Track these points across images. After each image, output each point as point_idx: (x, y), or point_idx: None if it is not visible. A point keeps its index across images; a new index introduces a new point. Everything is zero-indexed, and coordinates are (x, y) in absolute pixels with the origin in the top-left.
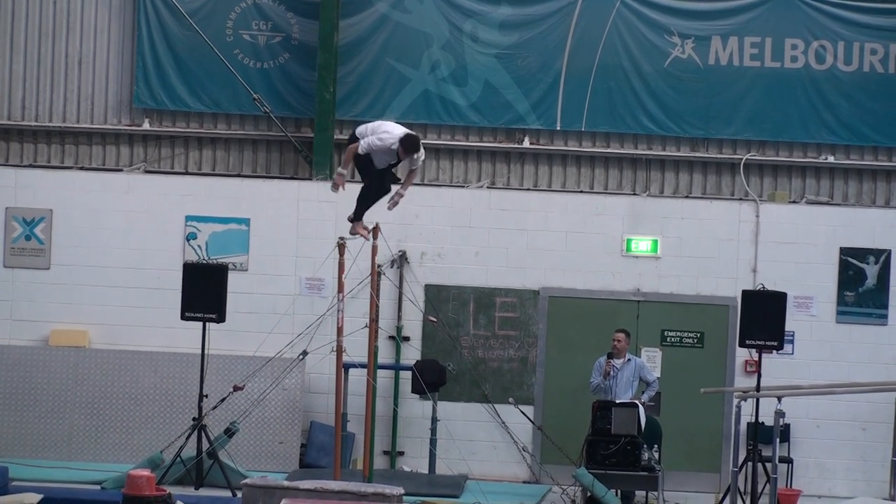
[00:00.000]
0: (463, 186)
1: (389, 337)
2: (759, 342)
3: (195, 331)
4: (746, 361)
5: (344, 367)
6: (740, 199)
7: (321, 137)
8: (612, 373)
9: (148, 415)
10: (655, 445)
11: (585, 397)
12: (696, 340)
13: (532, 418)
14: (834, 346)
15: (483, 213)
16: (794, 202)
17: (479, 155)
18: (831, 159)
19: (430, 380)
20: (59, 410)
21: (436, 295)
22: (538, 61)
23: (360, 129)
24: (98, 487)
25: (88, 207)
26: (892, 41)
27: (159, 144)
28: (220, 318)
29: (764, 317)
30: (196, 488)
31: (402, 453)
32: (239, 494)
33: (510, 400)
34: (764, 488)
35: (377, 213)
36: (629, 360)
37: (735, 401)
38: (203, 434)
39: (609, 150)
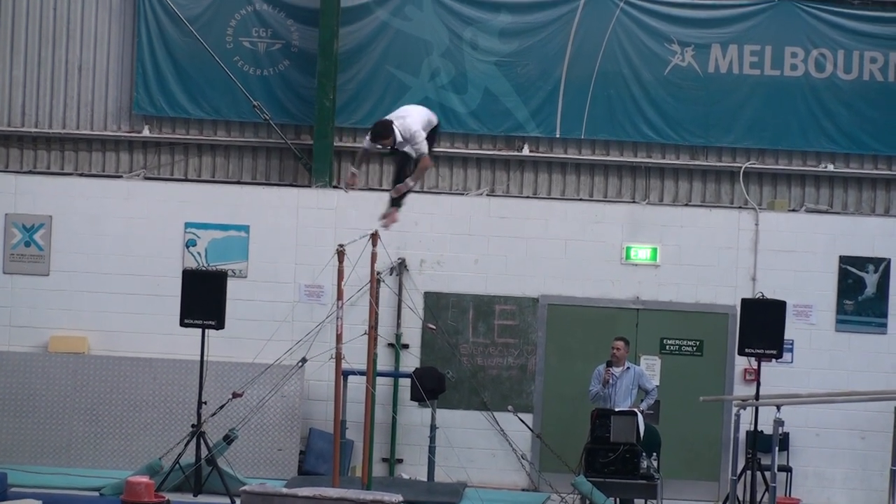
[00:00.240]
0: (462, 194)
1: (388, 344)
2: (759, 350)
3: (194, 337)
4: (746, 370)
5: (343, 375)
6: (740, 207)
7: (321, 145)
8: (611, 381)
9: (147, 421)
10: (654, 454)
11: (584, 405)
12: (695, 349)
13: (531, 426)
14: (833, 354)
15: (482, 221)
16: (793, 210)
17: (479, 162)
18: (831, 168)
19: (429, 387)
20: (58, 417)
21: (435, 302)
22: (538, 69)
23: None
24: (97, 494)
25: (88, 214)
26: (892, 49)
27: (159, 151)
28: (220, 325)
29: (763, 325)
30: (195, 495)
31: (400, 461)
32: (238, 501)
33: (509, 408)
34: (763, 497)
35: (376, 218)
36: (628, 368)
37: (734, 409)
38: (202, 441)
39: (609, 158)
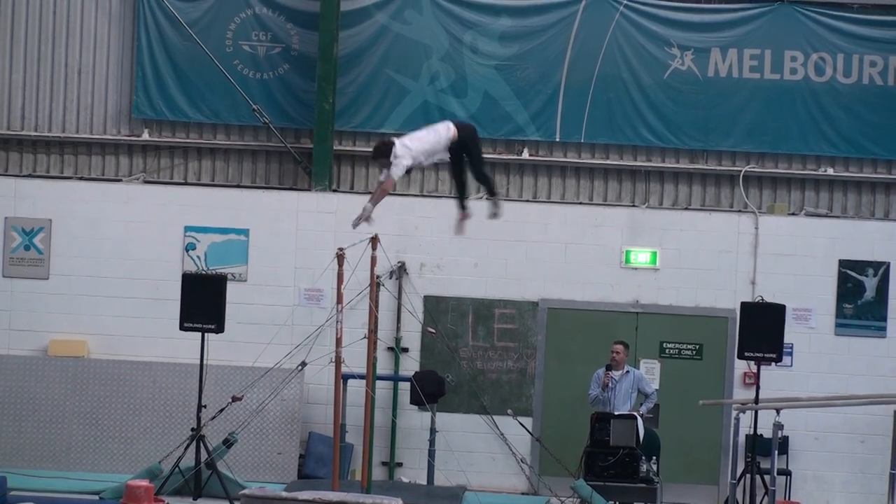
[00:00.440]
0: None
1: (388, 348)
2: (758, 354)
3: (194, 341)
4: (745, 373)
5: (343, 378)
6: (739, 211)
7: (320, 148)
8: (610, 384)
9: (146, 425)
10: (654, 457)
11: (584, 409)
12: (694, 352)
13: (531, 430)
14: (833, 358)
15: (482, 225)
16: (793, 214)
17: None
18: (830, 171)
19: (429, 391)
20: (57, 420)
21: (435, 306)
22: (538, 73)
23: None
24: (96, 498)
25: (88, 217)
26: (892, 53)
27: (158, 155)
28: (219, 329)
29: (763, 329)
30: (194, 499)
31: (400, 464)
32: None
33: (509, 411)
34: (762, 500)
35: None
36: (628, 371)
37: (734, 413)
38: (201, 444)
39: (608, 162)
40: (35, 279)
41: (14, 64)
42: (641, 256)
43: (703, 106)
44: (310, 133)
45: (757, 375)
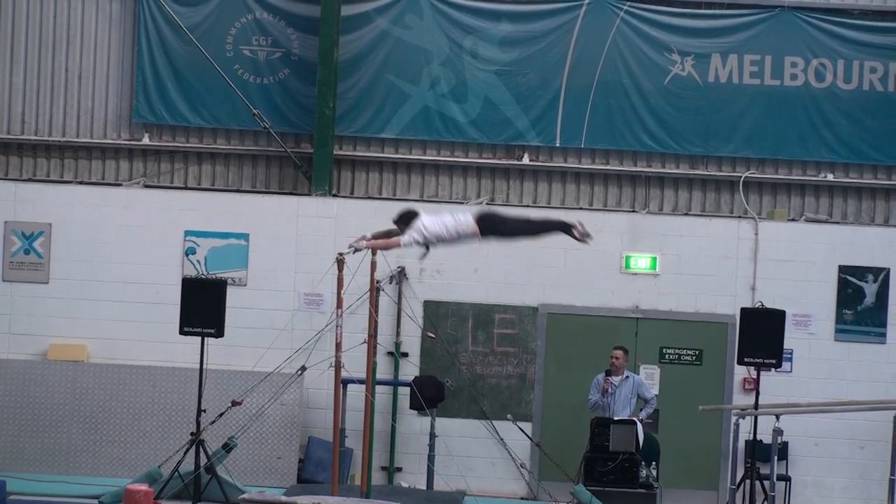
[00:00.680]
0: (462, 202)
1: (388, 353)
2: (758, 360)
3: (194, 345)
4: (745, 379)
5: (342, 383)
6: (739, 216)
7: (321, 153)
8: (610, 390)
9: (146, 429)
10: (654, 463)
11: (584, 414)
12: (694, 358)
13: (530, 435)
14: (832, 364)
15: None
16: (793, 220)
17: (479, 171)
18: (830, 177)
19: (429, 396)
20: (57, 424)
21: (434, 311)
22: (538, 78)
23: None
24: (96, 501)
25: (87, 222)
26: (892, 60)
27: (159, 159)
28: (219, 333)
29: (762, 334)
30: (194, 503)
31: (399, 469)
32: None
33: (508, 416)
34: None
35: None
36: (627, 377)
37: (733, 418)
38: (201, 449)
39: (608, 167)
40: (35, 283)
41: (14, 68)
42: (641, 262)
43: (704, 112)
44: (310, 138)
45: (757, 381)
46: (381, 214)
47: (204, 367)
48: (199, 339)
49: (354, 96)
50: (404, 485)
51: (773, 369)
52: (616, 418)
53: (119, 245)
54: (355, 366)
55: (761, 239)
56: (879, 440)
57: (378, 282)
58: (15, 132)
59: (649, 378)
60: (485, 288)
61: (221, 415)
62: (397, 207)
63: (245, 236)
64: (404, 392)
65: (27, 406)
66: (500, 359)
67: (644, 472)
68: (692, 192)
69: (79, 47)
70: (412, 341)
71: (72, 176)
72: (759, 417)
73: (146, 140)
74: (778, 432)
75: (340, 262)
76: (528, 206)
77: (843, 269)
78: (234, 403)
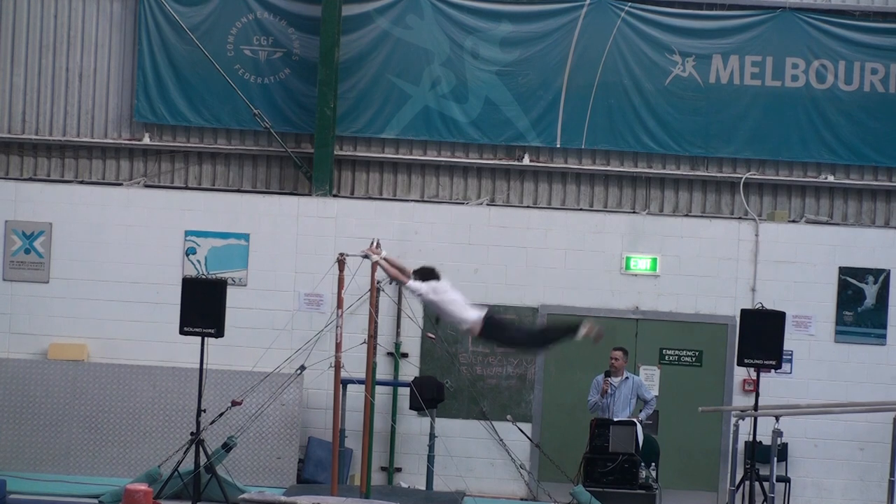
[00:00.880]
0: (463, 203)
1: (388, 353)
2: (758, 361)
3: (194, 345)
4: (745, 380)
5: (342, 383)
6: (740, 217)
7: (321, 153)
8: (609, 391)
9: (146, 429)
10: (653, 463)
11: (583, 415)
12: (694, 359)
13: (530, 436)
14: (832, 365)
15: (482, 230)
16: (793, 221)
17: (479, 172)
18: (831, 179)
19: (429, 396)
20: (57, 424)
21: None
22: (539, 79)
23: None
24: (96, 501)
25: (88, 221)
26: (893, 61)
27: (159, 159)
28: (219, 333)
29: (762, 336)
30: (193, 503)
31: (399, 469)
32: None
33: (508, 417)
34: None
35: (377, 228)
36: (627, 378)
37: (733, 420)
38: (201, 448)
39: (609, 168)
40: (35, 283)
41: (15, 67)
42: (642, 263)
43: (704, 113)
44: (311, 138)
45: (756, 382)
46: (382, 214)
47: (204, 366)
48: (199, 338)
49: (355, 96)
50: (404, 485)
51: (772, 370)
52: (616, 419)
53: (119, 245)
54: (355, 366)
55: (762, 240)
56: (879, 442)
57: (378, 282)
58: (16, 131)
59: (649, 379)
60: (485, 288)
61: (221, 415)
62: (398, 209)
63: (245, 236)
64: (404, 392)
65: (27, 405)
66: (500, 359)
67: (643, 473)
68: (693, 194)
69: (79, 47)
70: (412, 342)
71: (72, 175)
72: (759, 419)
73: (147, 140)
74: (777, 433)
75: (341, 263)
76: (528, 206)
77: (844, 271)
78: (234, 403)
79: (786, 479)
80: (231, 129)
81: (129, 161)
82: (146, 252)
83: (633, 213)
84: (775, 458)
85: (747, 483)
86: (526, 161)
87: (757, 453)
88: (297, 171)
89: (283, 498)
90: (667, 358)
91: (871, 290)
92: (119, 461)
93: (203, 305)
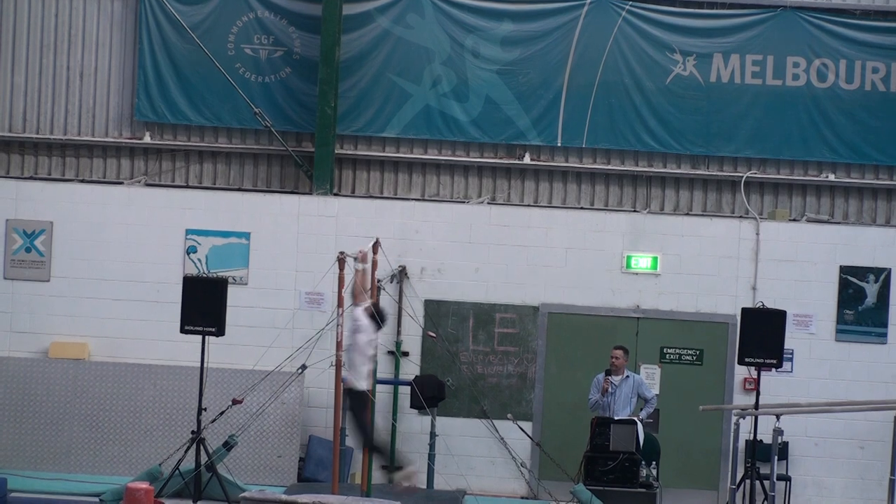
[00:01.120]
0: (463, 202)
1: (389, 352)
2: (759, 360)
3: (194, 344)
4: (745, 379)
5: (343, 382)
6: (740, 216)
7: (322, 152)
8: (610, 389)
9: (147, 427)
10: (654, 462)
11: (584, 414)
12: (695, 358)
13: (530, 434)
14: (833, 364)
15: (483, 229)
16: (794, 220)
17: (480, 170)
18: (832, 177)
19: (429, 395)
20: (58, 423)
21: (435, 310)
22: (539, 77)
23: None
24: (97, 500)
25: (89, 220)
26: (894, 60)
27: (160, 158)
28: (220, 332)
29: (763, 335)
30: (194, 501)
31: (400, 468)
32: None
33: (509, 416)
34: None
35: (378, 227)
36: (627, 376)
37: (734, 418)
38: (202, 447)
39: (610, 167)
40: (36, 281)
41: (16, 67)
42: (642, 262)
43: (705, 111)
44: (311, 137)
45: (757, 381)
46: (383, 213)
47: (205, 365)
48: (199, 337)
49: (356, 95)
50: (405, 484)
51: (773, 369)
52: (616, 418)
53: (120, 243)
54: None
55: (762, 239)
56: (879, 440)
57: (379, 281)
58: (17, 130)
59: (650, 378)
60: (486, 287)
61: (222, 413)
62: (398, 208)
63: (246, 235)
64: (405, 391)
65: (28, 404)
66: (501, 358)
67: (644, 472)
68: (693, 192)
69: (80, 46)
70: (413, 340)
71: (73, 174)
72: (760, 417)
73: (147, 138)
74: (778, 432)
75: (341, 261)
76: (529, 205)
77: (844, 270)
78: (235, 402)
79: (786, 478)
80: (232, 128)
81: (130, 160)
82: (147, 251)
83: (634, 211)
84: (776, 457)
85: (748, 482)
86: (527, 160)
87: (757, 452)
88: (298, 169)
89: (284, 497)
90: (667, 357)
91: (871, 289)
92: (120, 460)
93: (204, 304)
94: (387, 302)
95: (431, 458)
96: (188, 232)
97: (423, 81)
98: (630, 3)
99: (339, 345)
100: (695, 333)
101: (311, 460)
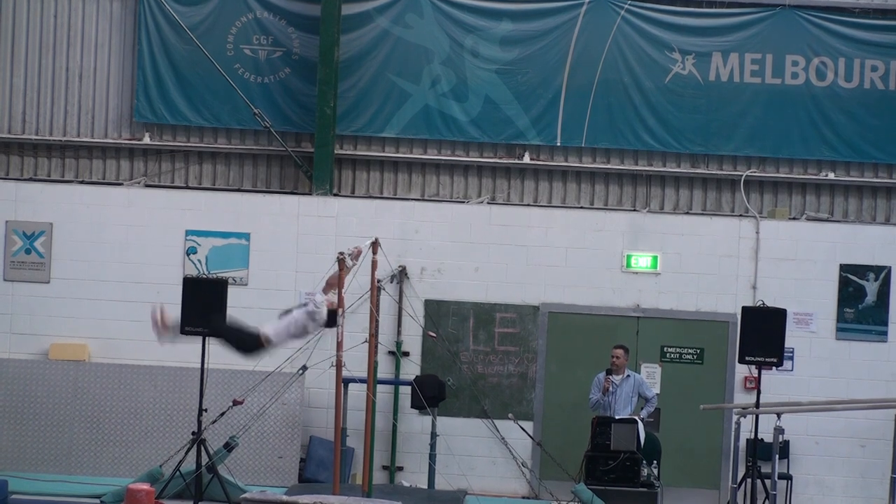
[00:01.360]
0: (463, 202)
1: (389, 352)
2: (759, 358)
3: (195, 345)
4: (746, 378)
5: (343, 382)
6: (740, 215)
7: (321, 152)
8: (610, 389)
9: (147, 429)
10: (654, 461)
11: (585, 413)
12: (695, 357)
13: (531, 434)
14: (833, 362)
15: (483, 229)
16: (794, 219)
17: (480, 170)
18: (831, 176)
19: (430, 395)
20: (58, 424)
21: (435, 310)
22: (539, 77)
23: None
24: (97, 501)
25: (89, 221)
26: (893, 58)
27: (159, 158)
28: None
29: (763, 333)
30: (195, 502)
31: (401, 468)
32: None
33: (509, 415)
34: None
35: (378, 227)
36: (628, 375)
37: (734, 417)
38: (202, 448)
39: (609, 166)
40: (36, 283)
41: (15, 68)
42: (642, 261)
43: (705, 110)
44: (311, 137)
45: (758, 380)
46: (382, 213)
47: (205, 366)
48: (200, 338)
49: (355, 95)
50: (406, 484)
51: (774, 368)
52: (617, 417)
53: (120, 244)
54: (356, 365)
55: (762, 238)
56: (880, 439)
57: (379, 281)
58: (16, 132)
59: (650, 377)
60: (486, 287)
61: (223, 414)
62: (398, 208)
63: (246, 236)
64: (405, 391)
65: (28, 406)
66: (502, 358)
67: (645, 471)
68: (693, 191)
69: (79, 47)
70: (413, 340)
71: (73, 175)
72: (761, 416)
73: (147, 139)
74: (779, 431)
75: (341, 262)
76: (528, 205)
77: (844, 268)
78: (236, 403)
79: (787, 477)
80: (231, 129)
81: (130, 161)
82: (147, 252)
83: (634, 210)
84: (777, 456)
85: (749, 480)
86: (526, 159)
87: (758, 451)
88: (298, 170)
89: (285, 497)
90: (668, 356)
91: (871, 287)
92: (121, 461)
93: (204, 305)
94: (387, 302)
95: (432, 458)
96: (188, 233)
97: (422, 81)
98: (629, 2)
99: (339, 345)
100: (695, 332)
101: (311, 461)
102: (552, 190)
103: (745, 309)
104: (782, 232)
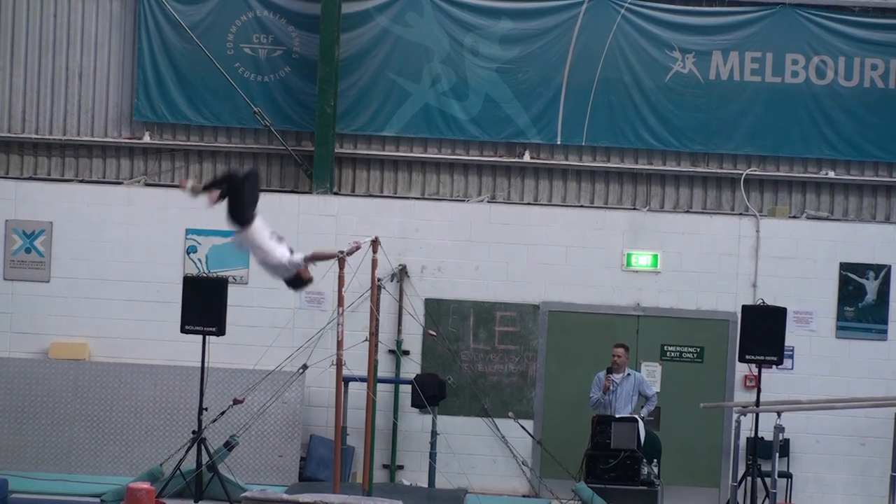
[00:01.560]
0: (463, 201)
1: (389, 351)
2: (759, 357)
3: (195, 344)
4: (746, 376)
5: (344, 381)
6: (740, 214)
7: (321, 151)
8: (611, 387)
9: (148, 428)
10: (655, 460)
11: (585, 412)
12: (695, 355)
13: (532, 432)
14: (833, 361)
15: (483, 228)
16: (794, 217)
17: (480, 169)
18: (831, 174)
19: (430, 393)
20: (58, 423)
21: (436, 309)
22: (539, 75)
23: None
24: (98, 500)
25: (89, 220)
26: (893, 56)
27: (160, 157)
28: (220, 332)
29: (764, 332)
30: (195, 501)
31: (401, 467)
32: None
33: (510, 414)
34: (763, 503)
35: (378, 225)
36: (628, 374)
37: (734, 415)
38: (203, 447)
39: (609, 165)
40: (36, 282)
41: (15, 67)
42: (642, 259)
43: (705, 109)
44: (311, 136)
45: (758, 378)
46: (383, 212)
47: (205, 365)
48: (200, 337)
49: (355, 94)
50: (406, 483)
51: (774, 366)
52: (617, 416)
53: (120, 243)
54: (357, 364)
55: (762, 236)
56: (880, 437)
57: (379, 280)
58: (16, 131)
59: (650, 375)
60: (486, 285)
61: (223, 413)
62: (398, 207)
63: None
64: (406, 390)
65: (29, 405)
66: (502, 356)
67: (645, 470)
68: (693, 190)
69: (79, 46)
70: (413, 339)
71: (73, 174)
72: (761, 414)
73: (147, 138)
74: (779, 429)
75: (341, 261)
76: (529, 203)
77: (845, 266)
78: (236, 402)
79: (787, 475)
80: (231, 128)
81: (130, 160)
82: (147, 251)
83: (634, 209)
84: (777, 454)
85: (749, 479)
86: (526, 158)
87: (758, 449)
88: (298, 169)
89: (286, 496)
90: (668, 354)
91: (871, 286)
92: (121, 460)
93: (204, 304)
94: (387, 301)
95: (433, 456)
96: (188, 232)
97: (422, 80)
98: (629, 0)
99: (339, 344)
100: (695, 331)
101: (312, 460)
102: (552, 188)
103: (745, 307)
104: (782, 230)
